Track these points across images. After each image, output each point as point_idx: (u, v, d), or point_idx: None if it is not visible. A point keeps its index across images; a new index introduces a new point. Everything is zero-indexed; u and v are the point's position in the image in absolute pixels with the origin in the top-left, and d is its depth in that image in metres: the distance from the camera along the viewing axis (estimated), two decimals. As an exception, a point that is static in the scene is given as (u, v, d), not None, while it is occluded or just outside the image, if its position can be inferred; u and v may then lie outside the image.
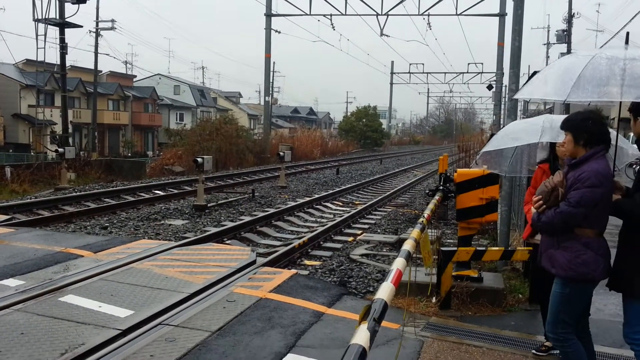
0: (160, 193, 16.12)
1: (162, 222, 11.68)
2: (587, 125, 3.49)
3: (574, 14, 37.03)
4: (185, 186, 17.93)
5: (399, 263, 2.99)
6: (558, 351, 4.59)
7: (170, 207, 13.52)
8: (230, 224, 10.93)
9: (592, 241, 3.49)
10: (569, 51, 36.22)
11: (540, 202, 3.54)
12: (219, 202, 14.56)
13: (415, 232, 4.09)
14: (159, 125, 56.43)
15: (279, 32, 32.05)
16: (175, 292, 5.96)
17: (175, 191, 16.53)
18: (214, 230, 10.28)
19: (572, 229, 3.50)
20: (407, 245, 3.52)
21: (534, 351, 4.76)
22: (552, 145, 4.67)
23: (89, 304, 5.47)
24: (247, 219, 11.69)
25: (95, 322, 5.03)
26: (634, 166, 16.58)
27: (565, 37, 37.53)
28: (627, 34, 3.89)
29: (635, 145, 4.58)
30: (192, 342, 4.62)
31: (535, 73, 5.49)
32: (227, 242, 9.64)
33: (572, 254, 3.48)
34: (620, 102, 3.56)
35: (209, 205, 13.58)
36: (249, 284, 6.40)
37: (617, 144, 3.81)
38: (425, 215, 5.01)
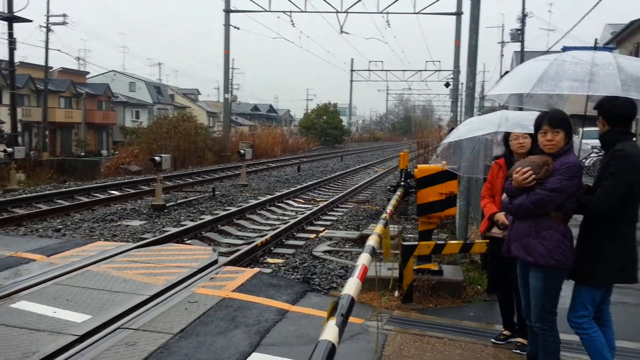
0: (117, 193, 15.77)
1: (119, 223, 11.42)
2: (570, 122, 3.71)
3: (527, 13, 38.00)
4: (143, 186, 17.59)
5: (364, 259, 2.99)
6: (515, 339, 4.75)
7: (127, 208, 13.24)
8: (191, 224, 10.78)
9: (567, 231, 3.65)
10: (522, 50, 37.17)
11: (530, 172, 3.58)
12: (179, 201, 14.34)
13: (378, 227, 4.11)
14: (114, 124, 55.26)
15: (238, 29, 31.85)
16: (134, 295, 5.82)
17: (132, 191, 16.19)
18: (173, 230, 10.11)
19: (549, 214, 3.60)
20: (371, 241, 3.53)
21: (493, 340, 4.87)
22: (506, 141, 4.76)
23: (43, 310, 5.28)
24: (207, 218, 11.54)
25: (50, 328, 4.87)
26: (582, 160, 17.19)
27: (519, 35, 38.44)
28: (595, 40, 4.07)
29: (585, 141, 4.75)
30: (154, 345, 4.52)
31: (506, 73, 5.67)
32: (187, 242, 9.50)
33: (553, 244, 3.59)
34: (587, 99, 3.75)
35: (167, 204, 13.35)
36: (211, 283, 6.32)
37: (581, 139, 3.96)
38: (388, 210, 5.05)
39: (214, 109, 72.74)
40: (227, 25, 30.11)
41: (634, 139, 3.78)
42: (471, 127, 5.28)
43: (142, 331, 4.83)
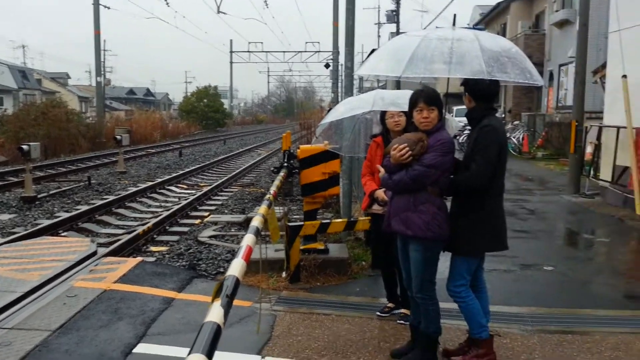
0: (-20, 186, 14.49)
1: (-16, 218, 10.54)
2: (442, 100, 3.90)
3: (402, -5, 39.30)
4: (11, 177, 16.29)
5: (248, 239, 3.01)
6: (399, 311, 5.00)
7: (-7, 201, 12.25)
8: (66, 215, 10.17)
9: (442, 204, 3.85)
10: (398, 30, 38.50)
11: (407, 149, 3.71)
12: (51, 192, 13.45)
13: (262, 208, 4.14)
14: (-27, 112, 50.42)
15: (109, 8, 30.12)
16: (6, 293, 5.43)
17: (-2, 183, 14.97)
18: (47, 222, 9.49)
19: (426, 189, 3.76)
20: (256, 222, 3.55)
21: (378, 313, 5.07)
22: (383, 120, 4.95)
23: None
24: (84, 208, 10.95)
25: None
26: (457, 137, 18.35)
27: (394, 17, 39.75)
28: (454, 15, 4.26)
29: (456, 119, 5.05)
30: (31, 344, 4.26)
31: (373, 51, 5.77)
32: (63, 234, 8.97)
33: (429, 216, 3.75)
34: (448, 79, 3.90)
35: (39, 196, 12.50)
36: (91, 276, 6.04)
37: (444, 116, 4.19)
38: (272, 191, 5.09)
39: (86, 93, 68.55)
40: (96, 4, 28.48)
41: (499, 114, 4.09)
42: (349, 107, 5.40)
43: (17, 330, 4.53)
